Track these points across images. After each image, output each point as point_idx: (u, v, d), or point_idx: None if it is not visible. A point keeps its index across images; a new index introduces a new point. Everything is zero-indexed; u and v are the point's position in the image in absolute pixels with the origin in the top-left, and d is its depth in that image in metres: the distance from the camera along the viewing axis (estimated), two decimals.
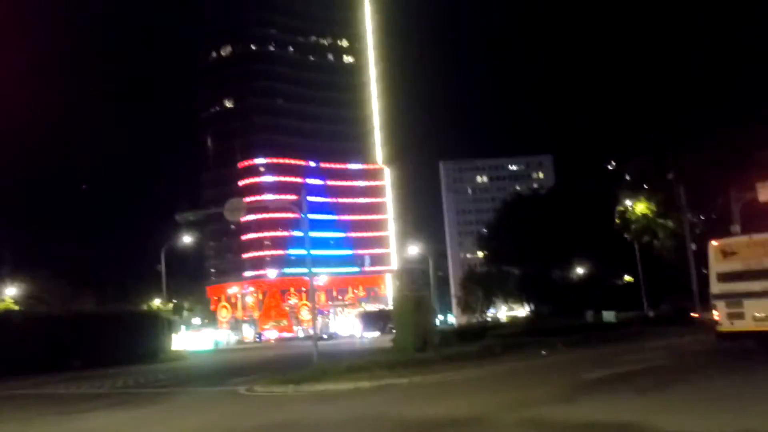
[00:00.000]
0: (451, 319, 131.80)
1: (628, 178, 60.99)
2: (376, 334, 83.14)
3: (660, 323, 44.87)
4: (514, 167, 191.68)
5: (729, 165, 46.97)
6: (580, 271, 71.49)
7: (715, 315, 22.48)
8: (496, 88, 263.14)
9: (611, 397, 15.11)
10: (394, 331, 34.61)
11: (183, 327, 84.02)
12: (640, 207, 56.74)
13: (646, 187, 56.93)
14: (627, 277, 70.59)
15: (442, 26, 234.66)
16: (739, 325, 21.52)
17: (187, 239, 64.01)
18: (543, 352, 27.53)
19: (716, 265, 22.71)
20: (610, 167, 77.69)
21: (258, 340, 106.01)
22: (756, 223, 32.42)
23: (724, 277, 22.28)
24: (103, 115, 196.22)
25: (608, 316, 49.30)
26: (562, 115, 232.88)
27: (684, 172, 50.72)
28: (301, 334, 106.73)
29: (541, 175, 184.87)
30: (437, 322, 69.21)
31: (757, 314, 21.11)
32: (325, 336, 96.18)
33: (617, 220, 58.64)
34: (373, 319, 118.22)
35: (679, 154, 52.69)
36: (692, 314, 45.79)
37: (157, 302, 67.56)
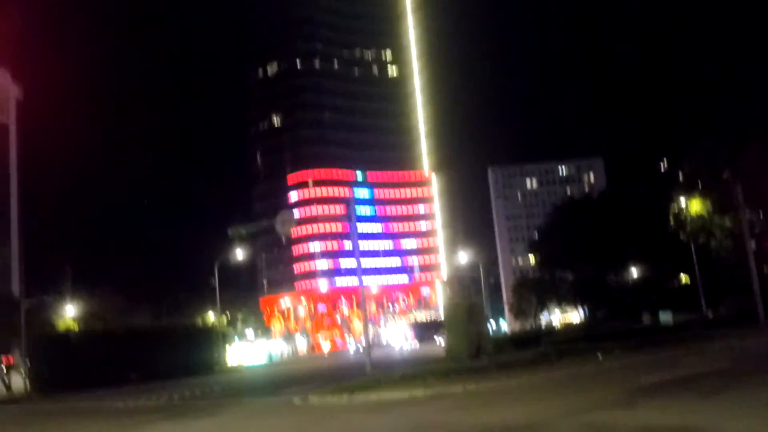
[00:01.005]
0: (504, 325, 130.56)
1: (681, 178, 59.65)
2: (416, 345, 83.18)
3: (720, 325, 43.56)
4: (564, 171, 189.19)
5: None
6: (635, 273, 70.07)
7: None
8: (544, 91, 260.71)
9: (671, 401, 14.69)
10: (443, 340, 34.38)
11: (237, 339, 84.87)
12: (695, 207, 55.33)
13: (700, 186, 55.56)
14: (684, 279, 68.97)
15: (486, 31, 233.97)
16: None
17: (239, 252, 64.72)
18: (599, 357, 26.96)
19: None
20: (662, 168, 76.21)
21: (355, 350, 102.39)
22: None
23: None
24: (155, 133, 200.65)
25: (665, 318, 48.19)
26: (611, 116, 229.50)
27: (740, 170, 49.37)
28: (351, 347, 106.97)
29: (591, 178, 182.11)
30: (490, 329, 68.64)
31: None
32: (359, 348, 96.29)
33: (672, 221, 57.31)
34: (424, 329, 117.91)
35: (733, 152, 51.36)
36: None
37: (211, 315, 68.47)
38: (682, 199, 56.54)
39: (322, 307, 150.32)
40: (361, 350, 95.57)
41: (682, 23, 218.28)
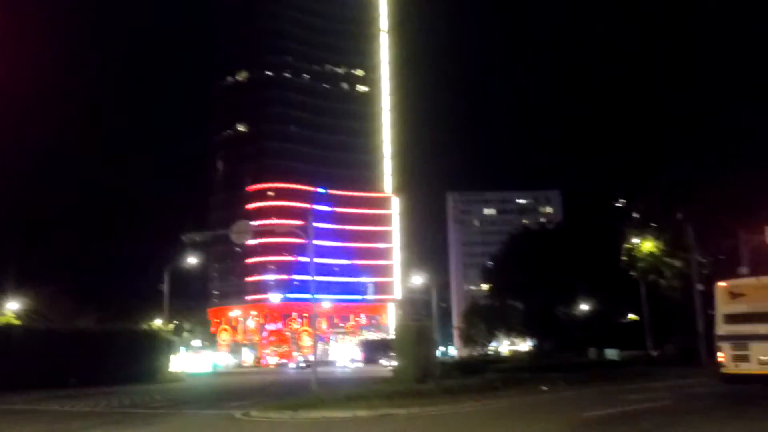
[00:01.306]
0: (452, 351, 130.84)
1: (636, 215, 60.65)
2: (358, 364, 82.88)
3: (664, 363, 44.34)
4: (522, 201, 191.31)
5: (738, 206, 46.73)
6: (584, 307, 70.89)
7: (720, 357, 22.16)
8: (507, 122, 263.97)
9: None
10: (390, 361, 34.24)
11: (182, 348, 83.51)
12: (647, 245, 56.29)
13: (654, 225, 56.57)
14: (632, 316, 69.98)
15: (455, 60, 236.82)
16: (745, 368, 21.19)
17: (191, 260, 63.86)
18: (544, 388, 27.13)
19: (723, 307, 22.43)
20: (618, 204, 77.47)
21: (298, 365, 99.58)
22: (764, 265, 32.18)
23: (731, 319, 22.00)
24: (112, 132, 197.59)
25: (611, 354, 48.81)
26: (571, 150, 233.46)
27: (693, 212, 50.45)
28: (299, 361, 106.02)
29: (549, 209, 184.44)
30: (438, 353, 68.61)
31: (762, 357, 20.81)
32: (302, 364, 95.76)
33: (624, 258, 58.18)
34: (374, 348, 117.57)
35: (688, 193, 52.47)
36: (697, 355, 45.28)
37: (158, 322, 67.22)
38: (635, 238, 57.51)
39: (271, 321, 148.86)
40: (303, 366, 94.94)
41: (647, 57, 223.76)
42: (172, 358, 61.85)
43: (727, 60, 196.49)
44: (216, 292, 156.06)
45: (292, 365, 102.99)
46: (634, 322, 66.43)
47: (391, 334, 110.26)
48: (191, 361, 79.38)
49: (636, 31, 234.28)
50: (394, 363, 78.69)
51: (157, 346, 54.90)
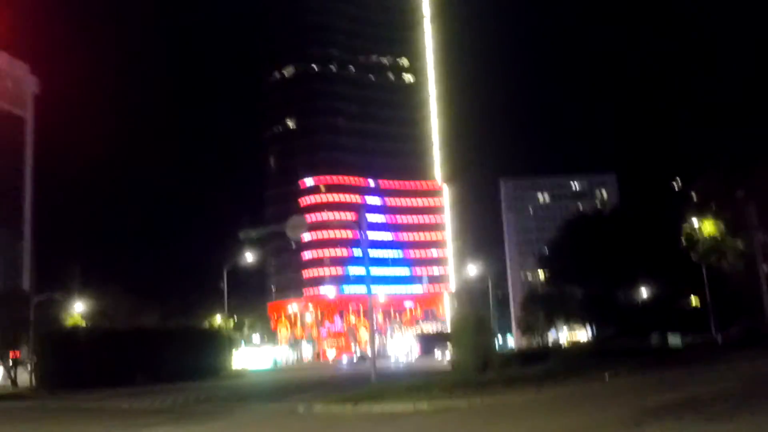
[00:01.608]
0: (511, 340, 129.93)
1: (694, 197, 59.30)
2: (417, 357, 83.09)
3: (729, 347, 43.24)
4: (576, 186, 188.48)
5: None
6: (645, 292, 69.58)
7: None
8: (559, 105, 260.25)
9: (678, 423, 14.56)
10: (442, 354, 34.20)
11: (243, 344, 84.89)
12: (707, 227, 54.95)
13: (713, 206, 55.18)
14: (694, 299, 68.46)
15: (503, 44, 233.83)
16: None
17: (249, 256, 64.86)
18: (606, 376, 26.79)
19: None
20: (675, 186, 75.81)
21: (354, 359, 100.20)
22: None
23: None
24: (169, 132, 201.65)
25: (674, 339, 47.81)
26: (626, 132, 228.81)
27: (754, 190, 49.07)
28: (356, 355, 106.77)
29: (604, 193, 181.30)
30: (498, 343, 68.31)
31: None
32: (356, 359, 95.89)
33: (684, 241, 56.92)
34: (431, 341, 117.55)
35: (747, 171, 51.01)
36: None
37: (218, 319, 68.55)
38: (695, 219, 56.18)
39: (328, 315, 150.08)
40: (355, 361, 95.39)
41: (701, 39, 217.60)
42: (234, 354, 63.04)
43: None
44: (274, 287, 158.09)
45: (344, 360, 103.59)
46: (697, 306, 65.02)
47: (448, 326, 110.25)
48: (252, 356, 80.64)
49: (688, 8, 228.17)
50: (447, 355, 78.76)
51: (218, 342, 56.07)
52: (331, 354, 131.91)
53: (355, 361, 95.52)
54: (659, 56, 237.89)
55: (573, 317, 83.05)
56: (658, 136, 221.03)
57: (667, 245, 60.80)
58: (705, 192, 57.25)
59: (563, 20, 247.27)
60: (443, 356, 76.15)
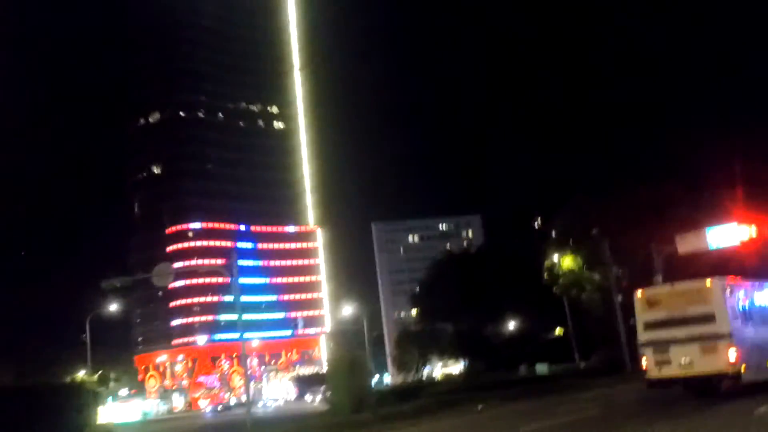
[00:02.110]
0: (387, 378, 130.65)
1: (554, 234, 62.37)
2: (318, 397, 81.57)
3: (592, 374, 45.54)
4: (444, 227, 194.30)
5: (648, 220, 48.78)
6: (512, 326, 72.20)
7: (644, 363, 23.01)
8: (426, 150, 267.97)
9: None
10: (316, 397, 34.13)
11: (110, 398, 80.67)
12: (567, 262, 57.87)
13: (571, 242, 58.25)
14: (558, 331, 71.57)
15: (372, 90, 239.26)
16: (667, 372, 22.07)
17: (113, 307, 62.23)
18: (479, 407, 27.57)
19: (642, 315, 23.36)
20: (536, 225, 79.56)
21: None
22: (676, 273, 33.68)
23: (650, 326, 22.91)
24: (28, 176, 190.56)
25: (541, 369, 49.83)
26: (488, 176, 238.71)
27: (607, 228, 52.31)
28: (208, 407, 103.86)
29: (470, 233, 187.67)
30: (373, 381, 68.47)
31: (683, 360, 21.74)
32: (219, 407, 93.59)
33: (546, 276, 59.63)
34: (308, 383, 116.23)
35: (601, 210, 54.36)
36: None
37: (81, 374, 64.92)
38: (555, 255, 59.13)
39: (200, 364, 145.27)
40: (219, 409, 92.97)
41: (556, 72, 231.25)
42: (100, 409, 59.73)
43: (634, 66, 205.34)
44: (141, 338, 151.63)
45: (208, 409, 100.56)
46: (560, 336, 68.00)
47: (325, 368, 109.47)
48: (120, 410, 76.84)
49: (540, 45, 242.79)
50: (318, 397, 78.08)
51: (82, 398, 52.86)
52: (203, 403, 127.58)
53: (219, 409, 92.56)
54: (520, 98, 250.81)
55: (446, 352, 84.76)
56: (521, 175, 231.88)
57: (530, 280, 63.40)
58: (563, 229, 60.31)
59: (433, 64, 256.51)
60: (315, 399, 75.55)
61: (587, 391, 32.59)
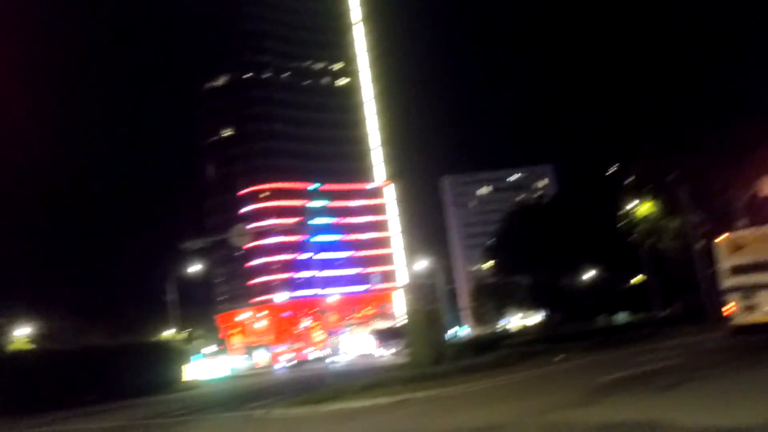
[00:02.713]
0: (463, 331, 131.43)
1: (629, 182, 60.95)
2: (387, 352, 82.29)
3: (673, 323, 44.81)
4: (516, 178, 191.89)
5: (729, 162, 47.10)
6: (589, 276, 71.39)
7: (728, 309, 22.47)
8: (496, 99, 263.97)
9: (629, 397, 15.15)
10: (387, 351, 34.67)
11: (196, 356, 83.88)
12: (644, 209, 56.69)
13: (648, 189, 56.88)
14: (636, 280, 70.43)
15: (437, 39, 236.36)
16: (753, 318, 21.52)
17: (194, 268, 64.16)
18: (557, 358, 27.53)
19: (726, 260, 22.73)
20: (611, 173, 77.80)
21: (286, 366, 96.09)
22: (759, 216, 32.53)
23: (735, 271, 22.30)
24: (104, 149, 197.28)
25: (620, 318, 49.25)
26: (561, 122, 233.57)
27: (685, 173, 50.82)
28: (280, 363, 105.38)
29: (543, 183, 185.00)
30: (450, 334, 69.01)
31: None
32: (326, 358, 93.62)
33: (622, 224, 58.60)
34: (384, 337, 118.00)
35: (679, 154, 52.78)
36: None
37: (169, 332, 67.64)
38: (632, 203, 57.89)
39: (280, 320, 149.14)
40: (290, 365, 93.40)
41: (631, 23, 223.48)
42: (186, 366, 62.24)
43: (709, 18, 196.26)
44: (222, 297, 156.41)
45: (279, 365, 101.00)
46: (639, 285, 66.95)
47: (400, 322, 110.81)
48: (206, 367, 79.80)
49: None
50: (390, 351, 78.78)
51: (169, 355, 55.23)
52: (284, 359, 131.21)
53: (290, 365, 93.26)
54: (594, 44, 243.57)
55: (523, 304, 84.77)
56: (593, 123, 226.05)
57: (606, 229, 62.46)
58: (639, 176, 58.87)
59: (501, 12, 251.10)
60: (384, 353, 76.49)
61: (668, 340, 32.10)
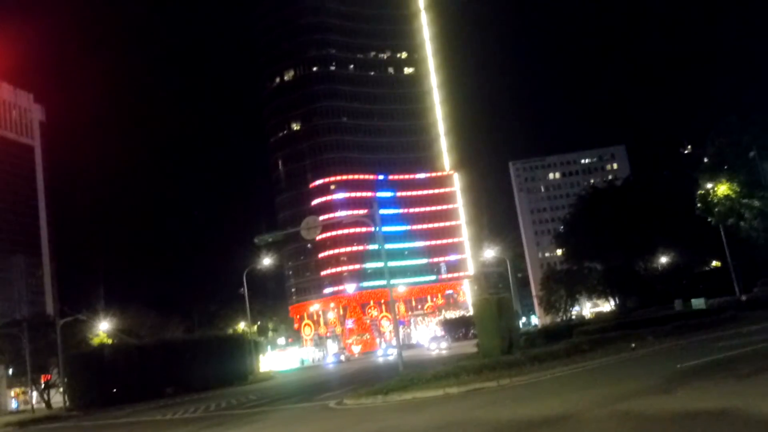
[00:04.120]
0: (535, 320, 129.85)
1: (706, 160, 58.76)
2: (443, 344, 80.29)
3: (755, 307, 43.01)
4: (586, 161, 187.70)
5: None
6: (664, 260, 69.38)
7: None
8: (560, 83, 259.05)
9: (708, 384, 14.57)
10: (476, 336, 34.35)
11: (269, 347, 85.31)
12: (722, 189, 54.50)
13: (726, 167, 54.71)
14: (715, 263, 68.08)
15: (500, 26, 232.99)
16: None
17: (266, 261, 65.15)
18: (632, 345, 26.78)
19: None
20: (686, 151, 75.35)
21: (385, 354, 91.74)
22: None
23: None
24: (177, 148, 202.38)
25: (698, 303, 47.59)
26: (631, 102, 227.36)
27: (765, 149, 48.72)
28: (378, 351, 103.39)
29: (615, 166, 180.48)
30: (521, 323, 68.18)
31: None
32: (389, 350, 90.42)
33: (699, 205, 56.57)
34: (454, 326, 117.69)
35: (758, 131, 50.60)
36: None
37: (242, 325, 69.04)
38: (709, 183, 55.76)
39: (351, 311, 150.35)
40: (343, 359, 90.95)
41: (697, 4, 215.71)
42: (261, 357, 63.39)
43: None
44: (294, 289, 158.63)
45: (379, 353, 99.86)
46: (718, 268, 64.74)
47: (470, 311, 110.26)
48: (279, 358, 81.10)
49: None
50: (443, 345, 77.60)
51: (244, 348, 56.35)
52: (356, 349, 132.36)
53: (343, 359, 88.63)
54: (662, 23, 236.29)
55: (595, 291, 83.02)
56: (665, 103, 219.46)
57: (682, 211, 60.55)
58: (716, 154, 56.65)
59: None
60: (439, 347, 75.11)
61: (750, 324, 30.83)
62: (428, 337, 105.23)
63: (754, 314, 37.12)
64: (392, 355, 77.02)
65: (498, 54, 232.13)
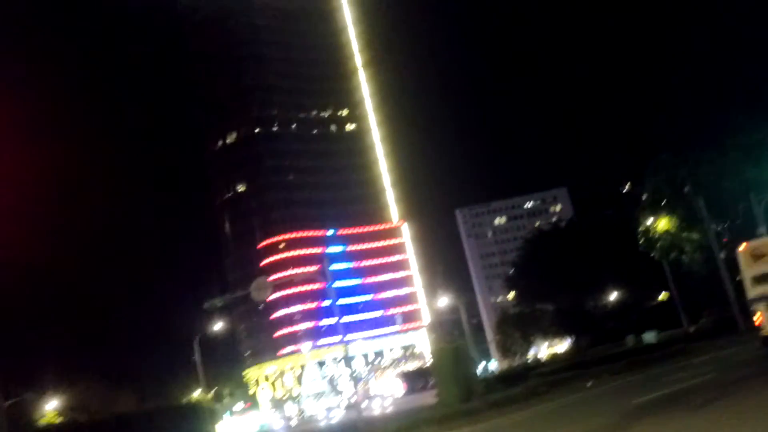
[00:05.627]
0: (491, 365, 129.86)
1: (645, 197, 60.53)
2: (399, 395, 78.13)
3: (702, 337, 44.00)
4: (530, 204, 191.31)
5: (743, 169, 46.74)
6: (613, 297, 70.60)
7: (756, 320, 22.03)
8: (502, 129, 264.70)
9: (663, 419, 14.84)
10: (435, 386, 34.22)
11: (226, 414, 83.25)
12: (662, 224, 56.12)
13: (664, 203, 56.40)
14: (662, 296, 69.53)
15: (437, 78, 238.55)
16: None
17: (218, 326, 64.06)
18: (588, 384, 27.08)
19: (748, 269, 22.34)
20: (624, 190, 77.50)
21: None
22: None
23: (759, 280, 21.85)
24: (119, 217, 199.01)
25: (649, 337, 48.47)
26: (570, 147, 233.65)
27: (700, 184, 50.47)
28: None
29: (558, 208, 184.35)
30: (478, 369, 68.06)
31: None
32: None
33: (642, 241, 58.03)
34: (413, 378, 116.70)
35: (691, 166, 52.45)
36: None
37: (197, 393, 67.34)
38: (649, 219, 57.35)
39: (307, 371, 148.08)
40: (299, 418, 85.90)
41: (634, 44, 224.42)
42: (217, 425, 61.73)
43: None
44: (249, 352, 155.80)
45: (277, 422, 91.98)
46: (665, 302, 66.06)
47: (429, 361, 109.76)
48: (237, 425, 79.11)
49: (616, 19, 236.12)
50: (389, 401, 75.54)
51: (199, 416, 54.81)
52: (313, 410, 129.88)
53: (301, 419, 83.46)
54: (599, 65, 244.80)
55: (549, 332, 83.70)
56: (602, 142, 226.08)
57: (627, 248, 61.88)
58: (654, 191, 58.41)
59: (501, 40, 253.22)
60: (384, 403, 73.68)
61: (700, 355, 31.52)
62: (387, 391, 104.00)
63: (701, 345, 37.96)
64: (334, 418, 74.41)
65: (437, 106, 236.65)
